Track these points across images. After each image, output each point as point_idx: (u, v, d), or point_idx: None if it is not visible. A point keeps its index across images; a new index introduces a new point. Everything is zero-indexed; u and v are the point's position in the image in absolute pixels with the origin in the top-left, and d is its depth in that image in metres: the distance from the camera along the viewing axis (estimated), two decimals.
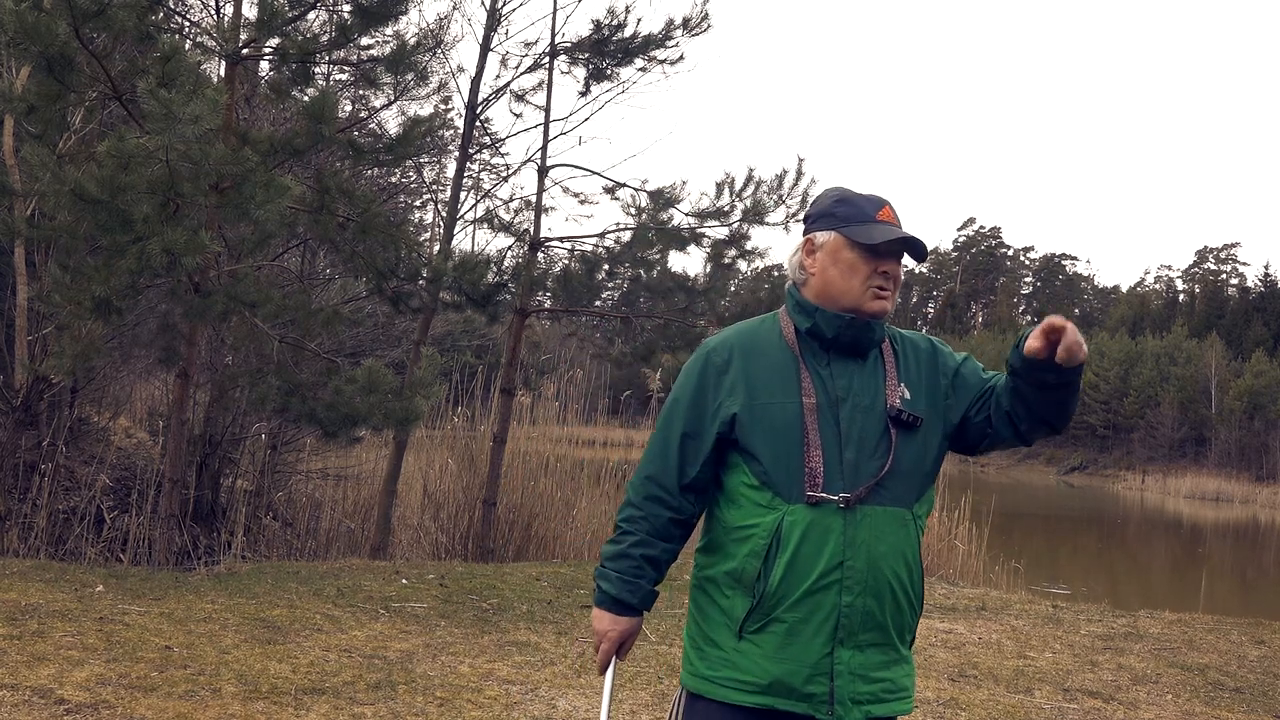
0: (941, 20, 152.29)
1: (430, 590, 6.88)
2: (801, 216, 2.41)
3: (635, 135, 22.86)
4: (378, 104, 10.30)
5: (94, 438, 10.29)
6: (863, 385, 2.20)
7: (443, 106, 12.89)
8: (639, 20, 13.42)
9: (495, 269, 9.47)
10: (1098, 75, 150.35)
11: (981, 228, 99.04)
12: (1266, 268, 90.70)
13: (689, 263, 24.85)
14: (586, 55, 9.98)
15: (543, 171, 10.18)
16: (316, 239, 9.01)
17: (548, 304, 10.47)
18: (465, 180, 11.26)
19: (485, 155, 12.51)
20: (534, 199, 10.22)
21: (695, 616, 2.27)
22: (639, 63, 9.96)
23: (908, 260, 2.30)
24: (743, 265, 10.46)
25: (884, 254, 2.21)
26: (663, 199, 9.82)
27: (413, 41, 7.64)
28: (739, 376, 2.21)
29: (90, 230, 6.72)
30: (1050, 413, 2.17)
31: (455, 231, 10.70)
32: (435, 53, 8.83)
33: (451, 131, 12.54)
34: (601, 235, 10.03)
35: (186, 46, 7.11)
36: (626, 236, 9.94)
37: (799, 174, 9.60)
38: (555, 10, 10.01)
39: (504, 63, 10.39)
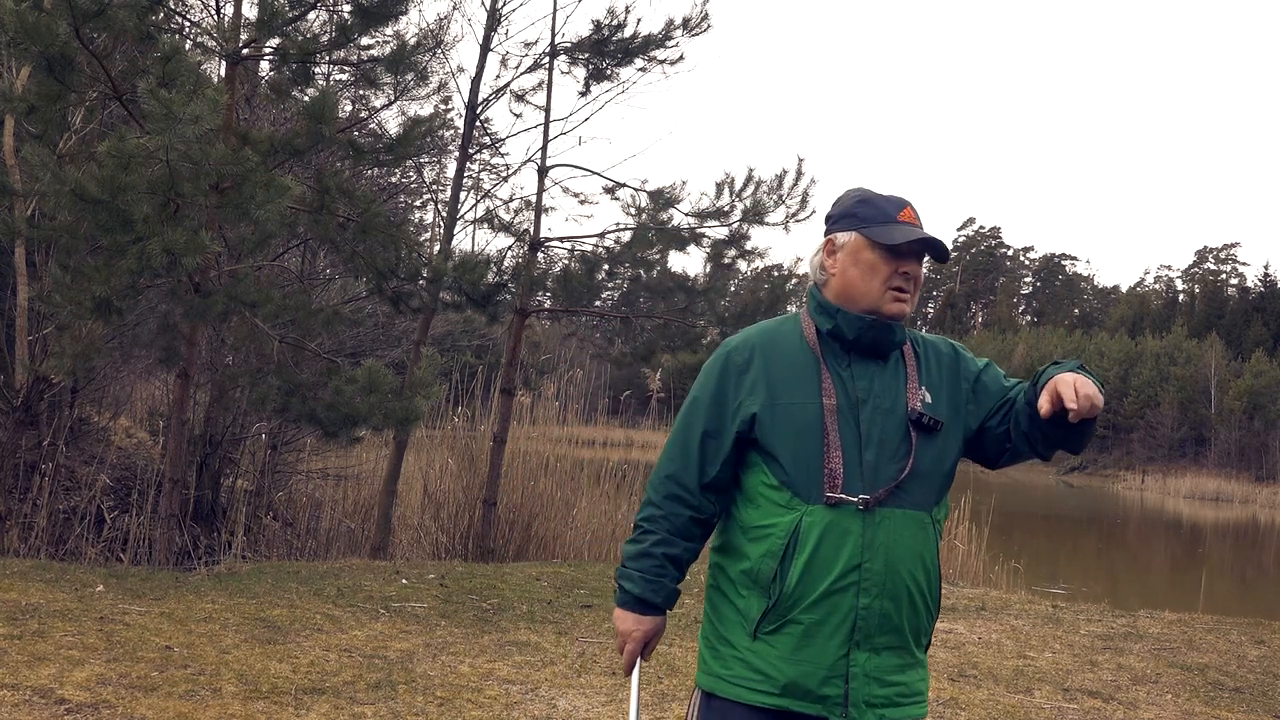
0: (941, 20, 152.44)
1: (430, 590, 6.88)
2: (822, 217, 2.39)
3: (635, 135, 22.90)
4: (378, 104, 10.32)
5: (94, 438, 10.30)
6: (884, 387, 2.19)
7: (443, 106, 12.89)
8: (639, 20, 13.41)
9: (495, 269, 9.47)
10: (1097, 75, 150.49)
11: (981, 228, 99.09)
12: (1266, 268, 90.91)
13: (689, 263, 24.87)
14: (586, 55, 9.98)
15: (543, 171, 10.18)
16: (316, 239, 9.01)
17: (548, 304, 10.47)
18: (465, 180, 11.26)
19: (485, 155, 12.51)
20: (534, 199, 10.24)
21: (710, 616, 2.26)
22: (639, 63, 9.98)
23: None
24: (743, 265, 10.48)
25: (905, 254, 2.20)
26: (663, 199, 9.82)
27: (413, 41, 7.65)
28: (760, 376, 2.20)
29: (90, 230, 6.72)
30: (1067, 443, 2.19)
31: (455, 231, 10.71)
32: (435, 53, 8.84)
33: (451, 131, 12.55)
34: (601, 235, 10.05)
35: (187, 46, 7.12)
36: (626, 236, 9.94)
37: (799, 174, 9.62)
38: (555, 10, 10.03)
39: (504, 63, 10.41)
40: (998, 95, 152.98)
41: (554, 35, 10.03)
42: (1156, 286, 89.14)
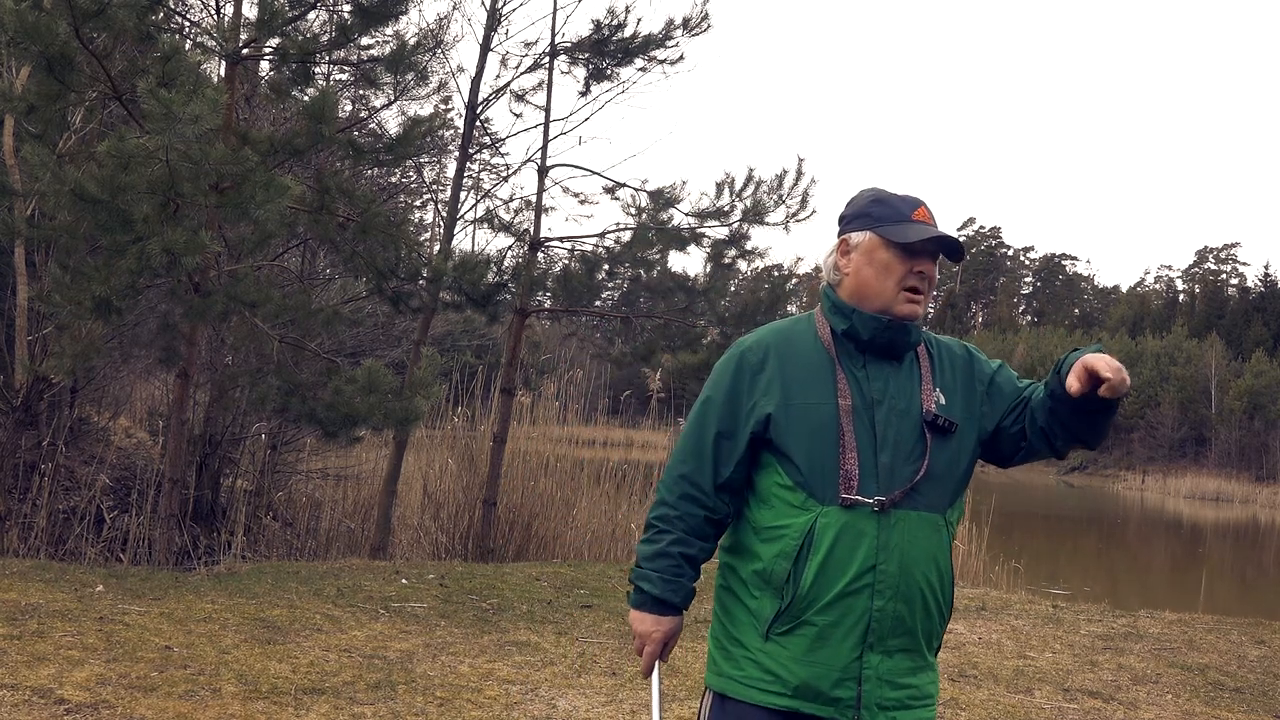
0: (941, 20, 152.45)
1: (430, 590, 6.88)
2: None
3: (635, 135, 22.92)
4: (378, 104, 10.32)
5: (94, 438, 10.30)
6: (899, 388, 2.18)
7: (443, 106, 12.90)
8: (639, 20, 13.44)
9: (495, 269, 9.47)
10: (1097, 75, 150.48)
11: (981, 228, 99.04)
12: (1266, 268, 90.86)
13: (689, 263, 24.91)
14: (586, 55, 9.98)
15: (543, 171, 10.18)
16: (316, 239, 9.02)
17: (548, 304, 10.47)
18: (465, 180, 11.27)
19: (485, 155, 12.52)
20: (534, 199, 10.24)
21: (720, 617, 2.24)
22: (639, 63, 9.98)
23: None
24: (743, 265, 10.48)
25: (919, 253, 2.19)
26: (663, 199, 9.82)
27: (413, 41, 7.65)
28: (774, 376, 2.19)
29: (90, 230, 6.72)
30: (1087, 433, 2.18)
31: (455, 231, 10.71)
32: (435, 53, 8.83)
33: (451, 131, 12.54)
34: (601, 235, 10.05)
35: (186, 46, 7.12)
36: (626, 236, 9.94)
37: (799, 174, 9.62)
38: (555, 10, 10.03)
39: (504, 63, 10.41)
40: (998, 95, 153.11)
41: (554, 35, 10.04)
42: (1157, 286, 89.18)
